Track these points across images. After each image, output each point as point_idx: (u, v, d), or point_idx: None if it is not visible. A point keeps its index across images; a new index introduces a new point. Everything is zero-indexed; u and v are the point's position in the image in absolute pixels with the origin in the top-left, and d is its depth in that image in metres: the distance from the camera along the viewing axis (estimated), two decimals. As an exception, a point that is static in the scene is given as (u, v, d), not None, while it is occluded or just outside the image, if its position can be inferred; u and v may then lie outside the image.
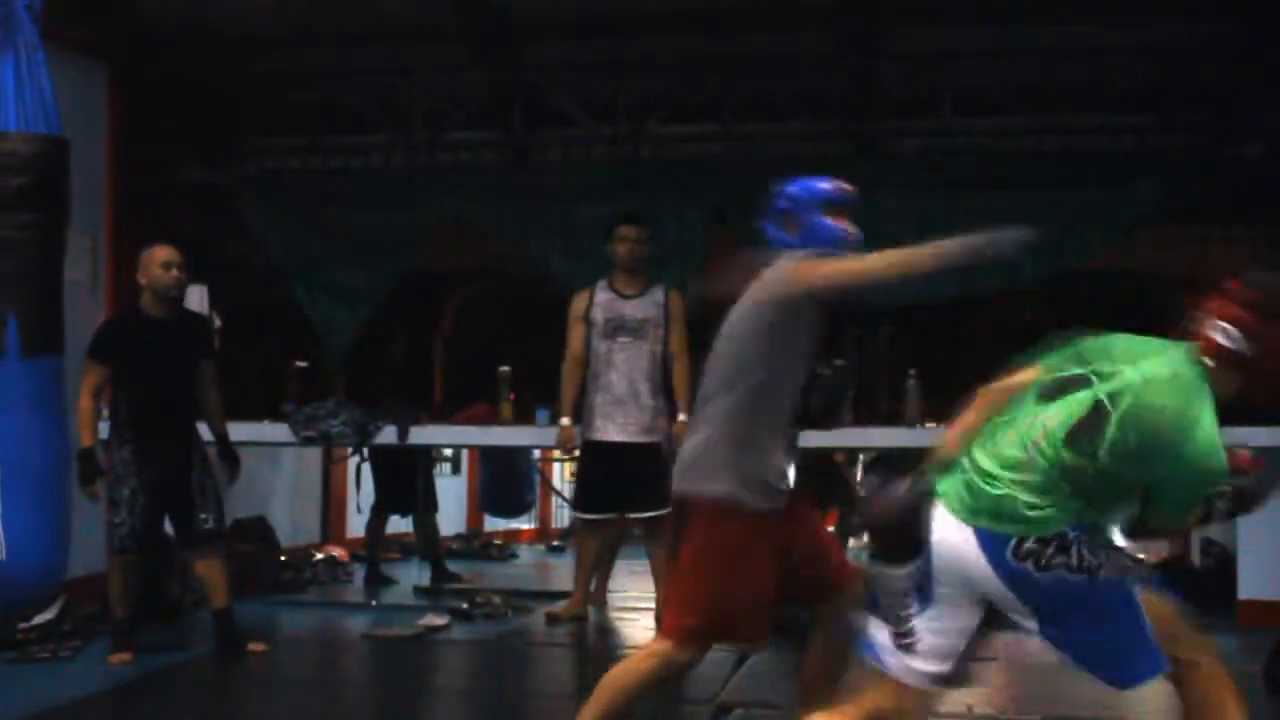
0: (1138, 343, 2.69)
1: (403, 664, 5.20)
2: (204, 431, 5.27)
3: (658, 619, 5.87)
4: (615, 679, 3.24)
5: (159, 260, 5.05)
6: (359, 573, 7.83)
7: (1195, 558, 7.17)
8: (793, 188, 3.27)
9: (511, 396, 6.47)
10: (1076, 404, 2.60)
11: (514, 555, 9.89)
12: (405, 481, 7.48)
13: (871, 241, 3.25)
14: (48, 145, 5.12)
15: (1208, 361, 2.59)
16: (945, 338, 7.25)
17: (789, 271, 3.11)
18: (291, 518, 8.16)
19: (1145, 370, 2.58)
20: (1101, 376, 2.61)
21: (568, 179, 7.29)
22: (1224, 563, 6.46)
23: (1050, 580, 2.55)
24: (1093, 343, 2.71)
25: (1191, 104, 6.86)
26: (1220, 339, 2.59)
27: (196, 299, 6.69)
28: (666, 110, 7.15)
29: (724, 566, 3.10)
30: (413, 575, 7.86)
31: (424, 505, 7.59)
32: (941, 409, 5.81)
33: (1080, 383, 2.63)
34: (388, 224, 7.15)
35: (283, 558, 7.40)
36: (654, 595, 6.01)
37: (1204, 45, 6.41)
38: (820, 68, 6.80)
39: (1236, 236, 7.06)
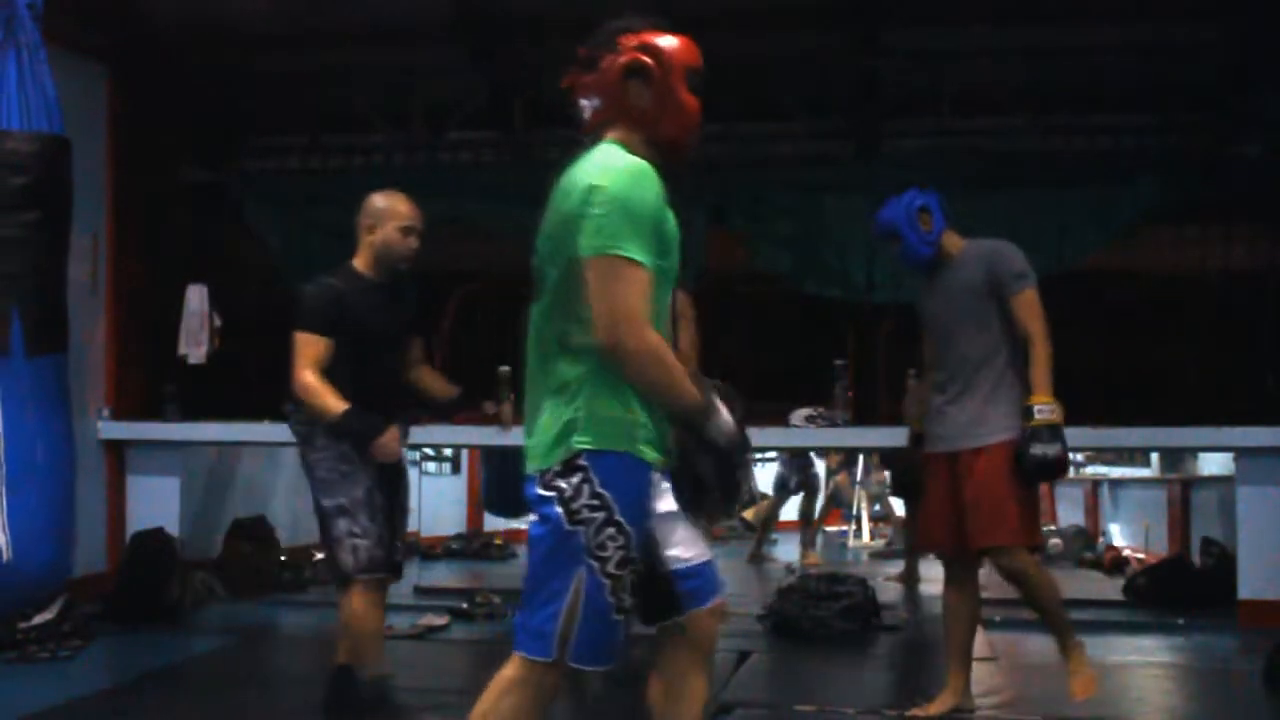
0: None
1: (403, 664, 5.19)
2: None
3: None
4: (1047, 592, 3.91)
5: (398, 220, 4.08)
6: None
7: (1195, 558, 7.17)
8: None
9: (511, 396, 6.46)
10: None
11: (514, 555, 9.87)
12: None
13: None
14: (50, 144, 5.12)
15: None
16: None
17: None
18: (291, 518, 8.14)
19: None
20: None
21: (568, 179, 7.27)
22: (1224, 563, 6.45)
23: None
24: None
25: (1191, 104, 6.86)
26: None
27: (196, 299, 6.70)
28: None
29: None
30: (412, 575, 7.84)
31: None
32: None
33: None
34: (388, 224, 7.14)
35: (283, 558, 7.39)
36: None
37: (1204, 45, 6.40)
38: (820, 68, 6.79)
39: (1237, 236, 7.05)
